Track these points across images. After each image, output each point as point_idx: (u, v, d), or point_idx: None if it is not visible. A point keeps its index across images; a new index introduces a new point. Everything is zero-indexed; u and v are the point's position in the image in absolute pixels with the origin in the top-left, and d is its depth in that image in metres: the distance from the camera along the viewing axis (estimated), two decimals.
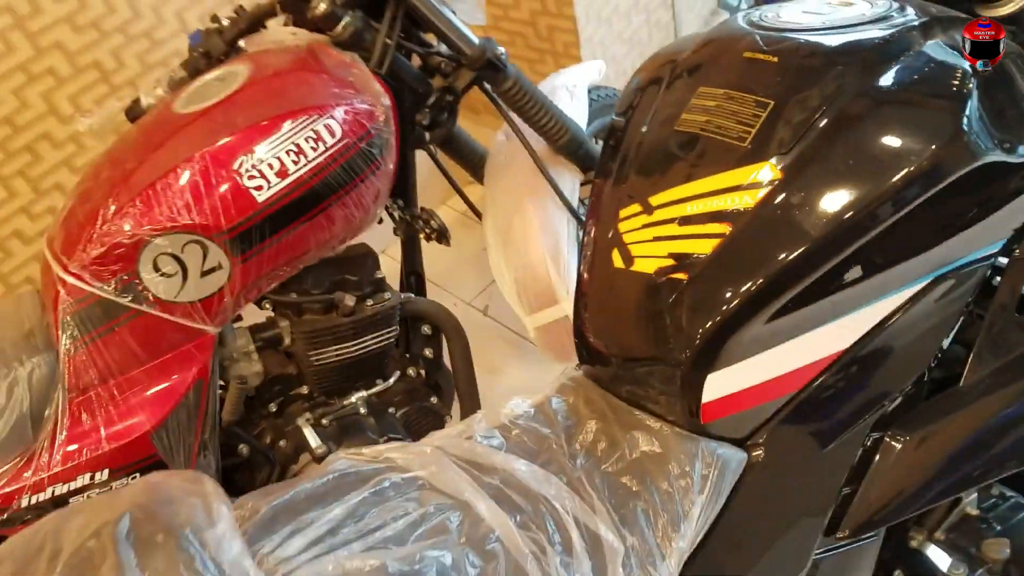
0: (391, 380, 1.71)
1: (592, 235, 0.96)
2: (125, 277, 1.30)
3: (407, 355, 1.78)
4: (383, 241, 1.65)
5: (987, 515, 1.08)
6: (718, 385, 0.84)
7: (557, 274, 1.71)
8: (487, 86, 1.62)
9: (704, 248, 0.82)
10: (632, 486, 0.84)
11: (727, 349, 0.82)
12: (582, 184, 1.81)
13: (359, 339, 1.58)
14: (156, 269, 1.30)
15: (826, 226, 0.78)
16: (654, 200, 0.87)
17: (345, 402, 1.65)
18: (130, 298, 1.31)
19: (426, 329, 1.75)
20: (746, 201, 0.80)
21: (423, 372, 1.78)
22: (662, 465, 0.85)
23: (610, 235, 0.91)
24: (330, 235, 1.42)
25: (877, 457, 0.93)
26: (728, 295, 0.80)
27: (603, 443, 0.88)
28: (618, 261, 0.89)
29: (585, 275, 0.96)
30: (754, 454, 0.88)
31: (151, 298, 1.32)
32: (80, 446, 1.32)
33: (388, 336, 1.62)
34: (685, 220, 0.83)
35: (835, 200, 0.78)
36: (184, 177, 1.29)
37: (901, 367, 0.89)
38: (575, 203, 1.74)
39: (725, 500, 0.86)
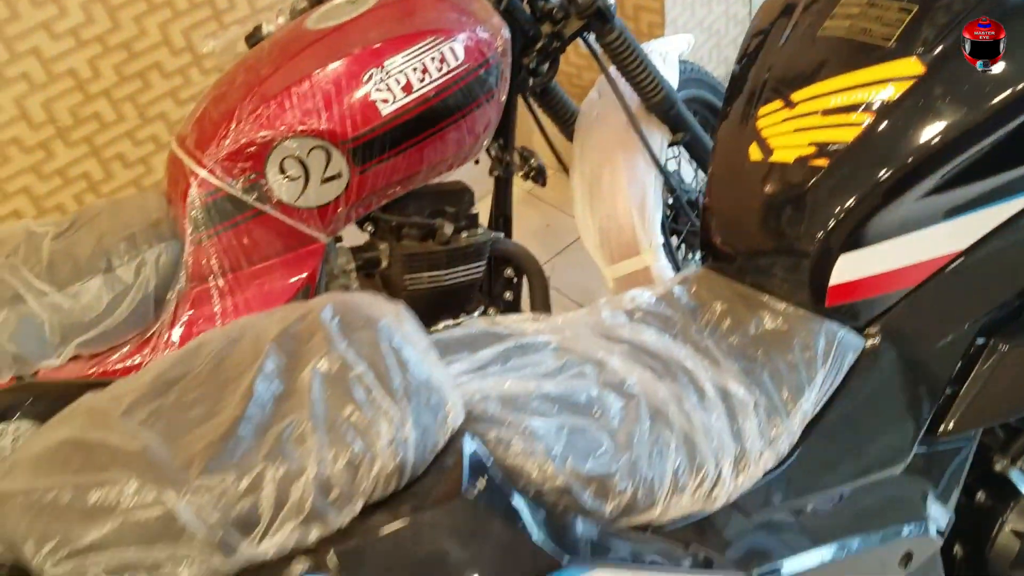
0: (474, 316, 1.78)
1: (724, 138, 1.02)
2: (252, 176, 1.38)
3: (489, 295, 1.84)
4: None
5: None
6: (846, 268, 0.90)
7: (642, 226, 1.77)
8: (591, 38, 1.70)
9: (846, 136, 0.88)
10: (758, 356, 0.89)
11: (860, 231, 0.88)
12: (669, 145, 1.88)
13: (451, 268, 1.65)
14: (282, 171, 1.38)
15: (964, 118, 0.84)
16: (796, 96, 0.93)
17: (431, 330, 1.71)
18: (255, 197, 1.39)
19: (509, 272, 1.81)
20: (889, 93, 0.87)
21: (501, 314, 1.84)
22: (786, 340, 0.90)
23: (747, 132, 0.97)
24: (441, 157, 1.50)
25: (981, 361, 0.98)
26: (867, 179, 0.86)
27: (728, 321, 0.94)
28: (756, 154, 0.95)
29: (715, 175, 1.03)
30: (870, 343, 0.93)
31: (273, 199, 1.40)
32: (196, 331, 1.39)
33: (477, 270, 1.69)
34: (828, 111, 0.90)
35: (975, 94, 0.84)
36: (317, 85, 1.37)
37: (1014, 274, 0.95)
38: (663, 162, 1.81)
39: (841, 382, 0.92)
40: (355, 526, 0.63)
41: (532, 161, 1.69)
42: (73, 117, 1.93)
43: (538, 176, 1.71)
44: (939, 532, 0.99)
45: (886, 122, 0.86)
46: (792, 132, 0.92)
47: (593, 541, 0.72)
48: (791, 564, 0.86)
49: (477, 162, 1.69)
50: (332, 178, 1.41)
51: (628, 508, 0.74)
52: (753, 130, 0.96)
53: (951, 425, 0.98)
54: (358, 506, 0.63)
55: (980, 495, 1.14)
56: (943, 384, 0.97)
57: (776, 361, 0.89)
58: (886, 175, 0.85)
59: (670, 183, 1.82)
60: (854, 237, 0.88)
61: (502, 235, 1.80)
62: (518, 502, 0.68)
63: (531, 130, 1.96)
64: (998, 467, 1.13)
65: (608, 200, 1.79)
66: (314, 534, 0.61)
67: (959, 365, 0.98)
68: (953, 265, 0.92)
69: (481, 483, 0.66)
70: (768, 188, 0.94)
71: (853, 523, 0.92)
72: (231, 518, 0.58)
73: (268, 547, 0.60)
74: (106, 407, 0.66)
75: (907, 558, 0.97)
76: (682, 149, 2.00)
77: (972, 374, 0.98)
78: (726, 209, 1.01)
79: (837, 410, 0.91)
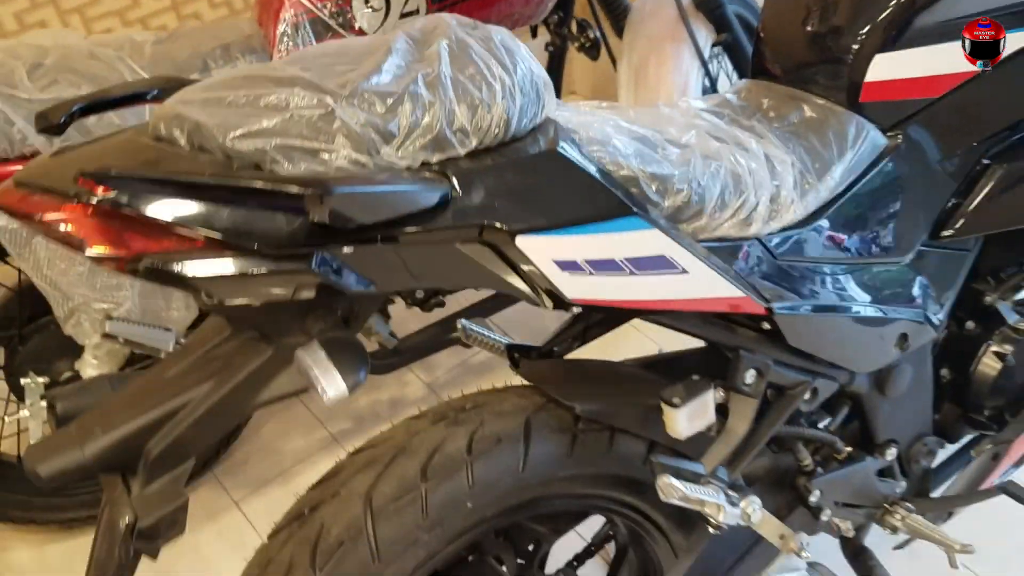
0: None
1: None
2: (341, 2, 1.52)
3: None
4: None
5: None
6: (880, 67, 1.04)
7: None
8: None
9: None
10: (797, 135, 1.04)
11: (895, 34, 1.02)
12: (713, 45, 2.02)
13: None
14: (367, 1, 1.52)
15: None
16: None
17: None
18: (339, 22, 1.53)
19: None
20: None
21: None
22: (822, 127, 1.04)
23: None
24: (509, 11, 1.63)
25: (984, 179, 1.12)
26: None
27: (772, 112, 1.08)
28: None
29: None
30: (892, 143, 1.07)
31: (355, 27, 1.54)
32: None
33: None
34: None
35: None
36: None
37: (1020, 100, 1.09)
38: (706, 56, 1.95)
39: (863, 171, 1.06)
40: (470, 156, 0.77)
41: (589, 32, 1.83)
42: None
43: (593, 48, 1.85)
44: (934, 325, 1.13)
45: None
46: None
47: None
48: (805, 306, 1.00)
49: (535, 36, 1.84)
50: (409, 13, 1.55)
51: (681, 209, 0.88)
52: None
53: (952, 230, 1.12)
54: (473, 142, 0.77)
55: (970, 323, 1.28)
56: (949, 192, 1.11)
57: (812, 140, 1.03)
58: None
59: (710, 76, 1.96)
60: (889, 38, 1.02)
61: None
62: (599, 168, 0.83)
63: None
64: (988, 300, 1.27)
65: (653, 85, 1.93)
66: (437, 156, 0.76)
67: (965, 179, 1.12)
68: (969, 84, 1.06)
69: (570, 148, 0.80)
70: (816, 1, 1.08)
71: (861, 292, 1.06)
72: (375, 126, 0.73)
73: (403, 155, 0.74)
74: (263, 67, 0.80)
75: (903, 339, 1.11)
76: (723, 59, 2.13)
77: (975, 188, 1.12)
78: (777, 26, 1.15)
79: (857, 194, 1.05)
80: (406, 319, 1.95)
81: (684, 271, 0.86)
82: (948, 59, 1.05)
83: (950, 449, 1.37)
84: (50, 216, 0.71)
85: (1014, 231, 1.19)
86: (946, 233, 1.12)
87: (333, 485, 0.99)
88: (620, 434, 1.07)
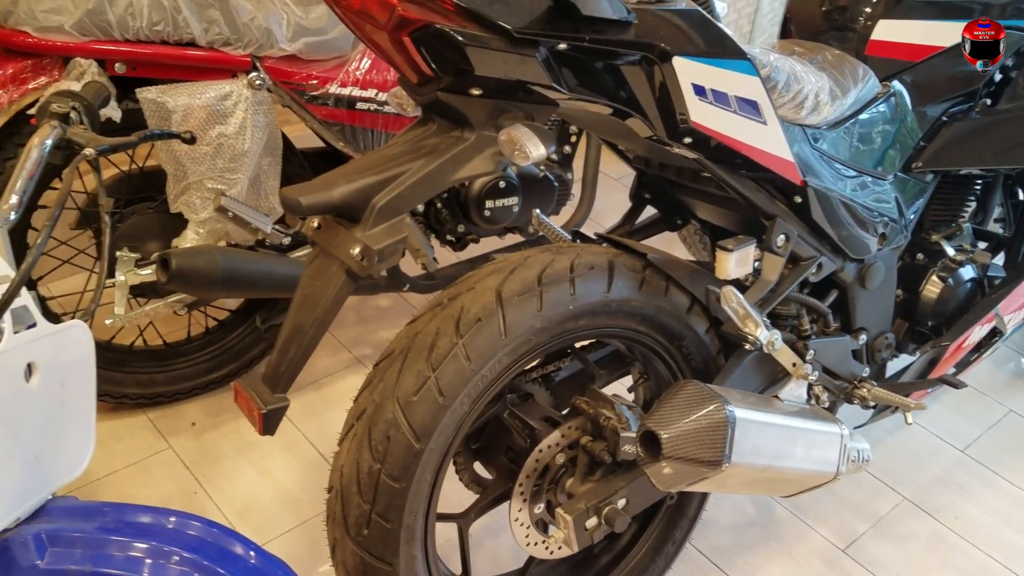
0: None
1: None
2: None
3: None
4: None
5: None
6: (882, 30, 1.46)
7: None
8: None
9: None
10: (823, 69, 1.43)
11: (896, 4, 1.44)
12: None
13: None
14: None
15: None
16: None
17: None
18: None
19: (572, 130, 2.31)
20: None
21: (557, 162, 2.33)
22: (839, 67, 1.45)
23: None
24: None
25: (943, 128, 1.54)
26: None
27: (804, 56, 1.48)
28: None
29: None
30: (883, 90, 1.49)
31: None
32: (377, 72, 1.85)
33: None
34: None
35: None
36: None
37: (971, 72, 1.52)
38: None
39: (862, 106, 1.46)
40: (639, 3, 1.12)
41: None
42: None
43: None
44: (904, 229, 1.52)
45: None
46: None
47: None
48: (826, 186, 1.37)
49: None
50: None
51: (764, 82, 1.25)
52: None
53: (918, 164, 1.53)
54: None
55: (919, 256, 1.69)
56: (918, 137, 1.53)
57: (833, 72, 1.43)
58: None
59: None
60: (893, 9, 1.44)
61: None
62: None
63: None
64: (933, 238, 1.68)
65: None
66: None
67: (929, 129, 1.54)
68: (938, 56, 1.49)
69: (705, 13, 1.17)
70: None
71: (860, 191, 1.44)
72: None
73: None
74: None
75: (883, 237, 1.50)
76: None
77: (935, 138, 1.54)
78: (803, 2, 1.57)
79: (859, 120, 1.45)
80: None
81: (764, 123, 1.22)
82: (926, 33, 1.48)
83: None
84: None
85: (955, 188, 1.62)
86: (915, 166, 1.53)
87: (468, 283, 1.28)
88: (673, 285, 1.40)
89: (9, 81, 1.57)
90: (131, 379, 1.96)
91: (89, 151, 1.03)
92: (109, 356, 1.92)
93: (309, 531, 1.78)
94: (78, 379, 0.91)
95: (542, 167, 2.02)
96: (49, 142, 1.05)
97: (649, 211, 1.64)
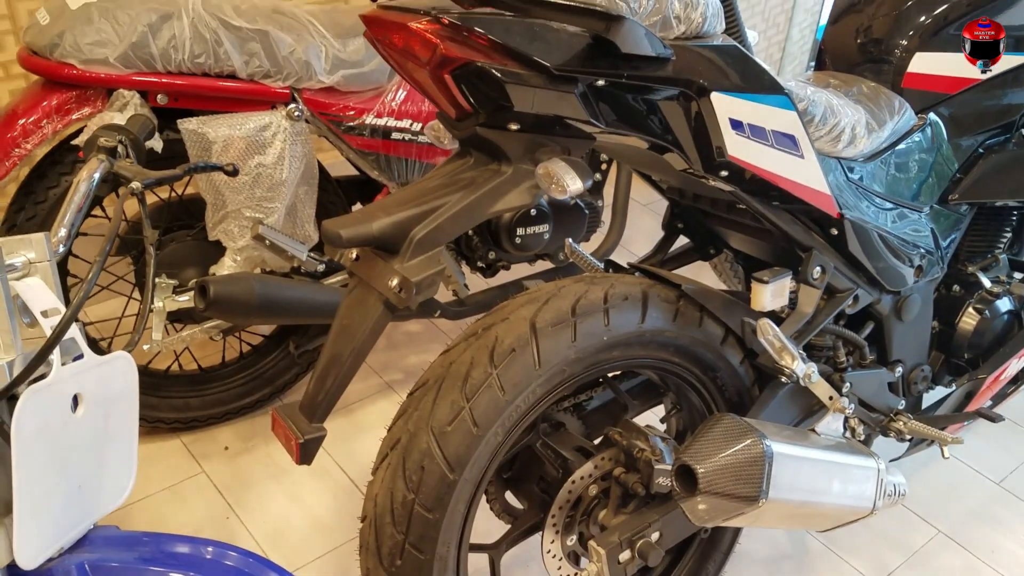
0: None
1: None
2: None
3: None
4: None
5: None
6: (919, 63, 1.45)
7: None
8: None
9: None
10: (859, 102, 1.43)
11: (932, 39, 1.44)
12: None
13: None
14: None
15: None
16: None
17: None
18: None
19: (603, 157, 2.32)
20: None
21: (587, 190, 2.34)
22: (875, 99, 1.45)
23: None
24: None
25: (979, 162, 1.53)
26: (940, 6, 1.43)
27: (840, 88, 1.48)
28: None
29: (837, 4, 1.59)
30: (919, 122, 1.48)
31: None
32: (412, 102, 1.87)
33: None
34: None
35: None
36: None
37: (1008, 105, 1.52)
38: None
39: (899, 139, 1.46)
40: (679, 39, 1.13)
41: None
42: None
43: None
44: (940, 262, 1.51)
45: None
46: None
47: None
48: (863, 219, 1.36)
49: None
50: None
51: (801, 115, 1.25)
52: None
53: (956, 196, 1.52)
54: (682, 28, 1.13)
55: (956, 288, 1.67)
56: (955, 168, 1.52)
57: (870, 105, 1.43)
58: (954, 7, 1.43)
59: None
60: (928, 42, 1.44)
61: None
62: None
63: None
64: (970, 270, 1.67)
65: None
66: (660, 33, 1.11)
67: (966, 161, 1.53)
68: (974, 88, 1.49)
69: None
70: (874, 9, 1.50)
71: (896, 223, 1.44)
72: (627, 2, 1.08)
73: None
74: None
75: (920, 269, 1.49)
76: None
77: (972, 170, 1.53)
78: (839, 34, 1.57)
79: (896, 151, 1.45)
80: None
81: (801, 156, 1.22)
82: (962, 65, 1.47)
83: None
84: (411, 23, 1.04)
85: (991, 219, 1.61)
86: (951, 198, 1.52)
87: (502, 313, 1.28)
88: (708, 316, 1.39)
89: (54, 111, 1.61)
90: (166, 404, 1.99)
91: (136, 185, 1.04)
92: (145, 380, 1.94)
93: (340, 557, 1.78)
94: (122, 410, 0.92)
95: None
96: (97, 175, 1.07)
97: (681, 239, 1.65)
